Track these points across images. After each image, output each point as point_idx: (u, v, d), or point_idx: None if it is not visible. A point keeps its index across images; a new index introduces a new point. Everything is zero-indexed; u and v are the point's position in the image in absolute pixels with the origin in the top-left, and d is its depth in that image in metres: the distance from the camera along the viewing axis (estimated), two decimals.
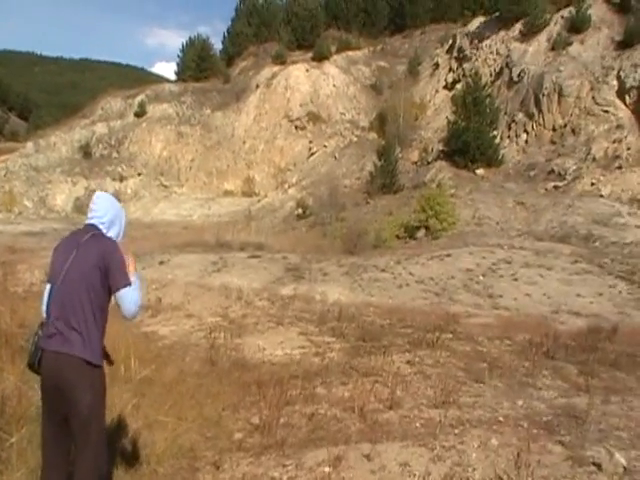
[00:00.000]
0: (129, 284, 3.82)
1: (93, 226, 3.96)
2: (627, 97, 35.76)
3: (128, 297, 3.82)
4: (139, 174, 49.47)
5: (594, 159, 32.86)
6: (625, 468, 5.38)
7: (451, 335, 10.72)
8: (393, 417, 6.62)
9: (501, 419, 6.59)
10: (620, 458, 5.48)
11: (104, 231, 3.97)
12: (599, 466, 5.36)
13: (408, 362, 8.82)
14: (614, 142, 33.57)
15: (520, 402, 7.21)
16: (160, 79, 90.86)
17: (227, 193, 47.24)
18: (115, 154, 51.29)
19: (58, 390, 3.68)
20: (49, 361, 3.73)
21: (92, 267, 3.76)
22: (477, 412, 6.80)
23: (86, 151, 51.21)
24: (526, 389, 7.78)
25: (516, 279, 16.95)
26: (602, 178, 30.67)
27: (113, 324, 10.59)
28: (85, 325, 3.75)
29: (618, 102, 35.97)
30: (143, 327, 11.18)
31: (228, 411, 6.67)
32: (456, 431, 6.13)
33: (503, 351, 9.81)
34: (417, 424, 6.42)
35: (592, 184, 30.49)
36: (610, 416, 6.81)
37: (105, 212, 4.01)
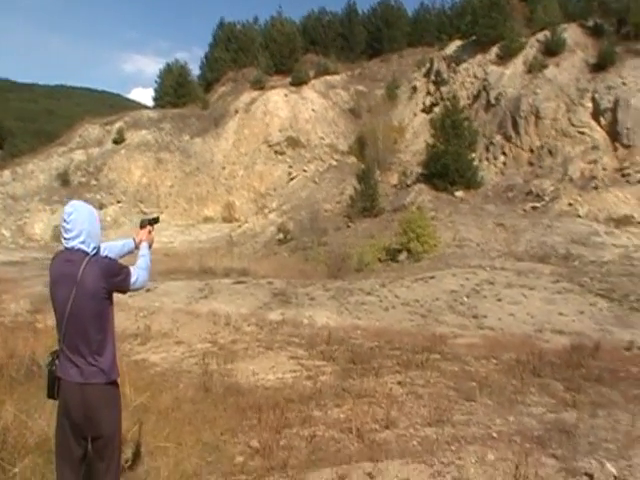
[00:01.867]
0: (134, 279, 4.15)
1: (79, 251, 3.95)
2: (602, 119, 36.41)
3: (137, 284, 4.22)
4: (118, 201, 49.25)
5: (571, 180, 33.39)
6: (616, 477, 5.62)
7: (439, 356, 10.91)
8: (390, 436, 6.80)
9: (495, 435, 6.81)
10: (611, 468, 5.72)
11: (89, 250, 3.98)
12: (591, 476, 5.60)
13: (399, 383, 8.98)
14: (590, 163, 34.14)
15: (511, 418, 7.43)
16: (137, 105, 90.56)
17: (207, 219, 47.20)
18: (94, 181, 51.02)
19: (86, 418, 3.84)
20: (74, 393, 3.86)
21: (96, 293, 3.88)
22: (471, 429, 7.00)
23: (64, 179, 50.78)
24: (516, 406, 7.98)
25: (500, 299, 17.19)
26: (579, 198, 31.14)
27: None
28: (99, 349, 3.90)
29: (593, 123, 36.62)
30: (133, 355, 11.25)
31: (227, 436, 6.76)
32: (453, 448, 6.33)
33: (491, 370, 10.00)
34: (414, 442, 6.60)
35: (570, 204, 30.94)
36: (598, 429, 7.07)
37: (81, 229, 3.97)
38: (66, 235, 3.97)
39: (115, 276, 3.98)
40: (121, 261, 4.30)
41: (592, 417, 7.52)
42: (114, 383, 3.95)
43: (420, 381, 9.11)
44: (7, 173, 52.88)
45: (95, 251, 4.03)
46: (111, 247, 4.53)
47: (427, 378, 9.28)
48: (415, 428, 7.05)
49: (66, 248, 3.99)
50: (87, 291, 3.84)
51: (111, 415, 3.91)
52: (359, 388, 8.52)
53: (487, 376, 9.46)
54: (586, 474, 5.66)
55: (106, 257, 4.15)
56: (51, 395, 3.99)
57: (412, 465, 5.77)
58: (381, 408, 7.67)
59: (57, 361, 3.97)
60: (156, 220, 5.01)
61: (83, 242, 3.96)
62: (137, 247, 4.72)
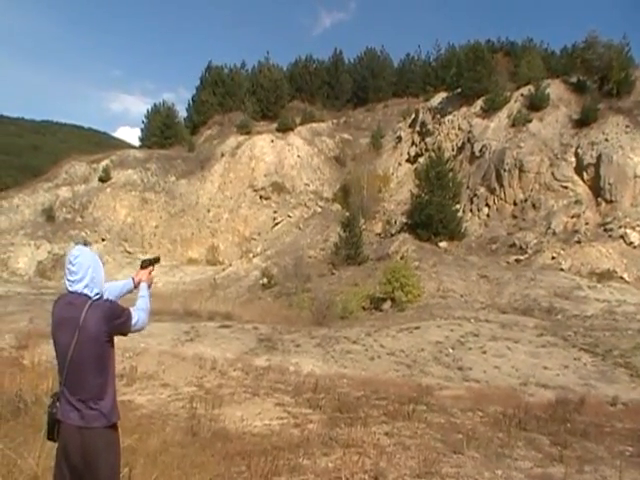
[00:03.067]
0: (134, 321, 4.12)
1: (82, 295, 3.95)
2: (585, 173, 37.09)
3: (137, 326, 4.16)
4: (103, 239, 49.11)
5: (554, 233, 33.80)
6: None
7: (425, 407, 10.92)
8: None
9: None
10: None
11: (91, 294, 3.98)
12: None
13: (387, 433, 8.97)
14: (573, 217, 34.63)
15: (499, 472, 7.45)
16: (123, 144, 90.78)
17: (191, 261, 47.14)
18: (79, 218, 50.91)
19: (85, 462, 3.81)
20: (74, 436, 3.84)
21: (99, 337, 3.87)
22: None
23: (49, 214, 50.66)
24: (503, 459, 8.00)
25: (484, 352, 17.28)
26: (562, 252, 31.51)
27: None
28: (100, 393, 3.89)
29: (576, 178, 37.26)
30: (120, 396, 11.04)
31: None
32: None
33: (477, 422, 10.03)
34: None
35: (553, 258, 31.28)
36: None
37: (85, 273, 3.98)
38: (70, 278, 3.98)
39: (117, 318, 3.98)
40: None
41: (579, 472, 7.56)
42: (114, 426, 3.95)
43: (407, 432, 9.11)
44: None
45: (98, 297, 4.02)
46: (111, 288, 4.50)
47: (414, 429, 9.28)
48: (404, 479, 7.06)
49: (69, 291, 4.00)
50: (89, 335, 3.83)
51: (109, 459, 3.87)
52: (347, 437, 8.49)
53: (473, 429, 9.48)
54: None
55: (107, 300, 4.11)
56: (51, 437, 3.97)
57: None
58: (369, 458, 7.66)
59: (58, 403, 3.94)
60: (157, 260, 5.02)
61: (86, 286, 3.96)
62: (136, 287, 4.71)
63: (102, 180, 54.36)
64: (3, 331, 17.42)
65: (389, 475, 7.18)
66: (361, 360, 16.54)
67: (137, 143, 72.06)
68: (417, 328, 20.06)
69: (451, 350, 17.50)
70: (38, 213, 51.40)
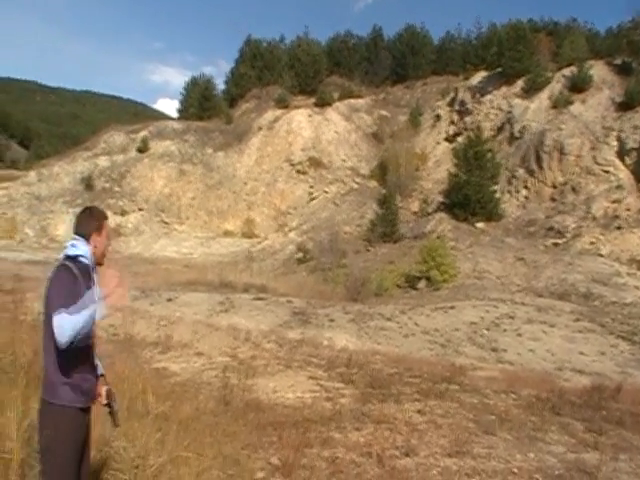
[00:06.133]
0: (58, 310, 3.47)
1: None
2: (627, 158, 36.36)
3: (56, 324, 3.46)
4: (140, 209, 49.57)
5: (594, 218, 33.25)
6: None
7: (458, 387, 10.86)
8: (410, 464, 6.79)
9: (515, 470, 6.79)
10: None
11: (69, 252, 3.78)
12: None
13: (419, 411, 8.95)
14: (614, 202, 34.01)
15: (532, 455, 7.39)
16: (161, 115, 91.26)
17: (227, 233, 47.34)
18: (117, 188, 51.35)
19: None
20: None
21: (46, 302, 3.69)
22: (491, 463, 6.98)
23: (88, 183, 51.20)
24: (536, 443, 7.92)
25: (520, 334, 17.14)
26: (601, 237, 31.03)
27: (126, 359, 10.75)
28: (48, 365, 3.73)
29: (618, 162, 36.52)
30: (154, 363, 11.31)
31: (247, 451, 6.76)
32: None
33: (510, 405, 9.94)
34: (434, 472, 6.59)
35: (592, 243, 30.83)
36: (620, 473, 7.04)
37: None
38: None
39: (51, 280, 3.71)
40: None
41: (614, 460, 7.44)
42: (53, 405, 3.69)
43: (439, 411, 9.07)
44: (33, 174, 53.52)
45: (68, 254, 3.79)
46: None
47: (446, 408, 9.24)
48: (435, 457, 7.03)
49: None
50: (46, 295, 3.71)
51: (45, 435, 3.69)
52: (379, 413, 8.49)
53: (506, 411, 9.40)
54: None
55: (61, 264, 3.76)
56: None
57: None
58: (401, 435, 7.66)
59: None
60: None
61: (66, 246, 3.85)
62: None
63: (140, 150, 54.69)
64: (41, 295, 17.67)
65: (420, 452, 7.17)
66: (395, 337, 16.52)
67: (175, 115, 72.33)
68: (452, 308, 19.97)
69: (486, 331, 17.40)
70: (77, 181, 51.99)
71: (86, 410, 3.84)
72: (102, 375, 4.07)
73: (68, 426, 3.68)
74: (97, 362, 4.02)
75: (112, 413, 4.03)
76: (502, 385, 11.40)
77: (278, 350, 13.44)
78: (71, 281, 3.64)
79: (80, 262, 3.76)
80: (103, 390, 3.99)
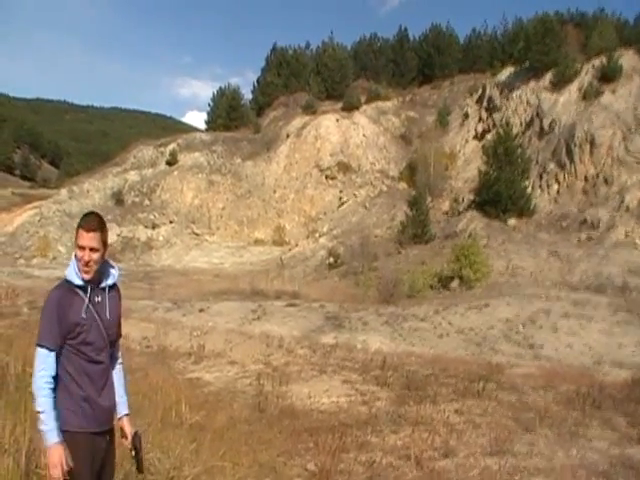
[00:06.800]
0: (38, 343, 3.37)
1: None
2: None
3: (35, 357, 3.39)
4: (171, 222, 49.88)
5: (627, 209, 32.72)
6: None
7: (495, 385, 10.73)
8: (449, 465, 6.69)
9: (558, 468, 6.64)
10: None
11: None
12: None
13: (456, 411, 8.86)
14: None
15: (574, 451, 7.25)
16: (190, 128, 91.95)
17: (258, 242, 47.43)
18: (147, 202, 51.75)
19: None
20: None
21: None
22: (533, 460, 6.86)
23: (118, 198, 51.64)
24: (577, 439, 7.78)
25: (556, 330, 16.93)
26: (636, 228, 30.53)
27: (159, 370, 10.75)
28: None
29: None
30: (187, 373, 11.33)
31: (283, 458, 6.73)
32: (516, 478, 6.19)
33: (549, 401, 9.79)
34: (474, 472, 6.48)
35: (626, 234, 30.34)
36: None
37: None
38: None
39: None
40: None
41: None
42: (66, 432, 3.42)
43: (477, 410, 8.97)
44: (64, 191, 54.09)
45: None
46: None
47: (484, 407, 9.13)
48: (475, 458, 6.93)
49: None
50: None
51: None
52: (415, 415, 8.42)
53: (546, 407, 9.25)
54: None
55: (55, 287, 3.56)
56: None
57: None
58: (439, 436, 7.57)
59: None
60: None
61: None
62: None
63: (169, 163, 55.07)
64: None
65: (460, 453, 7.08)
66: (429, 338, 16.41)
67: (203, 127, 72.71)
68: (486, 306, 19.77)
69: (521, 328, 17.20)
70: (107, 197, 52.45)
71: (102, 434, 3.60)
72: (127, 415, 3.80)
73: (77, 452, 3.42)
74: (124, 399, 3.80)
75: (137, 458, 3.72)
76: (540, 382, 11.25)
77: (312, 355, 13.40)
78: (51, 310, 3.41)
79: (69, 283, 3.50)
80: (129, 432, 3.73)
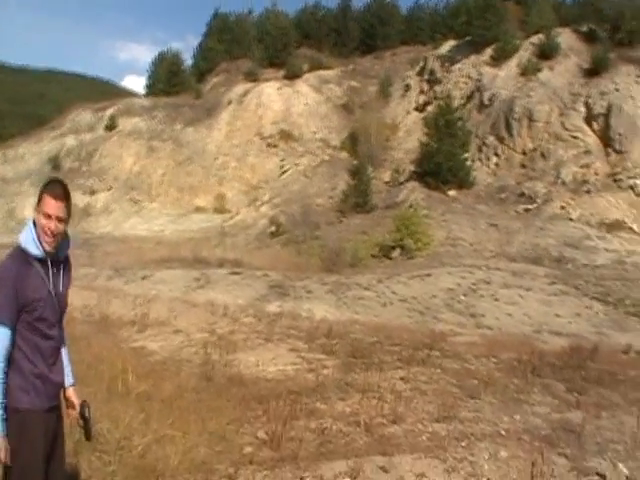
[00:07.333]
0: None
1: None
2: (595, 123, 36.69)
3: None
4: (110, 188, 49.03)
5: (563, 183, 33.54)
6: (628, 478, 5.66)
7: (439, 353, 10.91)
8: (398, 431, 6.80)
9: (503, 433, 6.83)
10: (623, 468, 5.77)
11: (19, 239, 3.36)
12: (603, 476, 5.66)
13: (402, 379, 8.97)
14: (582, 167, 34.33)
15: (518, 417, 7.46)
16: (129, 93, 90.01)
17: (199, 209, 46.96)
18: (85, 167, 50.73)
19: None
20: None
21: None
22: (479, 426, 7.02)
23: (55, 163, 50.51)
24: (520, 405, 8.00)
25: (497, 299, 17.27)
26: (571, 202, 31.32)
27: (102, 339, 10.65)
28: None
29: (586, 128, 36.85)
30: (131, 342, 11.23)
31: (233, 426, 6.72)
32: (463, 444, 6.36)
33: (492, 369, 10.01)
34: (423, 437, 6.61)
35: (562, 207, 31.10)
36: (604, 430, 7.13)
37: None
38: None
39: None
40: None
41: (597, 418, 7.55)
42: (10, 408, 3.28)
43: (423, 377, 9.11)
44: None
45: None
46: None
47: (430, 375, 9.28)
48: (423, 424, 7.05)
49: None
50: None
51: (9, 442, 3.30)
52: (362, 382, 8.49)
53: (489, 374, 9.46)
54: (598, 474, 5.71)
55: (7, 256, 3.37)
56: None
57: (425, 460, 5.78)
58: (387, 403, 7.67)
59: None
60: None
61: None
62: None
63: (108, 128, 54.10)
64: None
65: (408, 419, 7.19)
66: (373, 306, 16.55)
67: (143, 92, 71.41)
68: (428, 275, 20.03)
69: (463, 297, 17.49)
70: (44, 162, 51.29)
71: (53, 409, 3.49)
72: (73, 385, 3.69)
73: (30, 432, 3.33)
74: (68, 369, 3.69)
75: (87, 427, 3.61)
76: (482, 350, 11.48)
77: (257, 324, 13.40)
78: (7, 284, 3.22)
79: (25, 253, 3.31)
80: (76, 402, 3.63)
